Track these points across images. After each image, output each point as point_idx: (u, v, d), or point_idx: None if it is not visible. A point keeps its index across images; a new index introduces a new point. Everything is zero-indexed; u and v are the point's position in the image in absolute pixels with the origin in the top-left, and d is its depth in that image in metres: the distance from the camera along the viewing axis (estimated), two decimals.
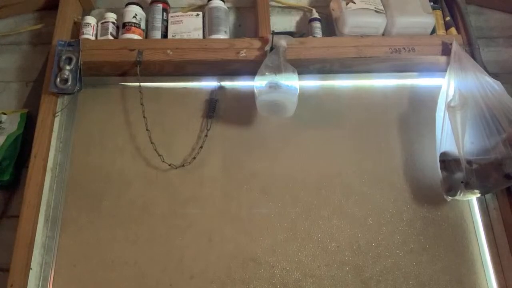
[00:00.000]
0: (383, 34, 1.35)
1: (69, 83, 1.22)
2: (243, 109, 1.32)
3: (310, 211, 1.22)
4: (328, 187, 1.25)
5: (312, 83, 1.37)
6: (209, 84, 1.36)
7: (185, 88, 1.36)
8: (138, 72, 1.26)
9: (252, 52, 1.28)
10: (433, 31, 1.37)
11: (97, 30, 1.35)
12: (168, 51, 1.28)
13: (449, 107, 1.16)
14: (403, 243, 1.20)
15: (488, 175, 1.10)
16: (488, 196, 1.23)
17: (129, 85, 1.35)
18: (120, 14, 1.37)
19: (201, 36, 1.34)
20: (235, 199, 1.23)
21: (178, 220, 1.20)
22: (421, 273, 1.17)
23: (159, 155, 1.23)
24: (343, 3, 1.32)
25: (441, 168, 1.20)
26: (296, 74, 1.18)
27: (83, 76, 1.25)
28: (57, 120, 1.26)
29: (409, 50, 1.30)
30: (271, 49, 1.24)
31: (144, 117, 1.25)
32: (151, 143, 1.24)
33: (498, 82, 1.18)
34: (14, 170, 1.21)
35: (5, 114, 1.29)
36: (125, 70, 1.31)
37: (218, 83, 1.36)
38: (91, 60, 1.27)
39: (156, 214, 1.21)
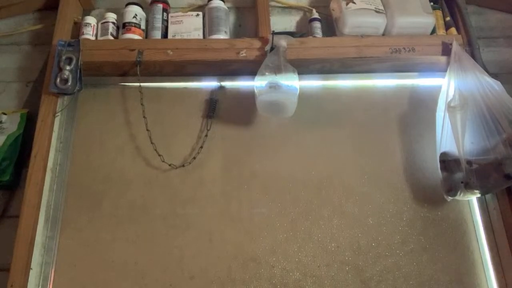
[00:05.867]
0: (383, 34, 1.35)
1: (69, 83, 1.22)
2: (243, 109, 1.32)
3: (310, 211, 1.22)
4: (328, 187, 1.25)
5: (312, 83, 1.37)
6: (209, 84, 1.36)
7: (185, 88, 1.36)
8: (138, 72, 1.26)
9: (252, 52, 1.28)
10: (433, 31, 1.37)
11: (97, 30, 1.35)
12: (168, 51, 1.28)
13: (449, 107, 1.16)
14: (403, 243, 1.20)
15: (488, 175, 1.10)
16: (488, 196, 1.23)
17: (129, 85, 1.35)
18: (120, 14, 1.37)
19: (201, 36, 1.34)
20: (235, 199, 1.23)
21: (178, 220, 1.20)
22: (421, 273, 1.17)
23: (159, 155, 1.23)
24: (343, 3, 1.32)
25: (441, 168, 1.20)
26: (296, 74, 1.18)
27: (83, 76, 1.25)
28: (57, 120, 1.26)
29: (409, 50, 1.30)
30: (271, 49, 1.24)
31: (144, 117, 1.25)
32: (151, 143, 1.24)
33: (498, 82, 1.18)
34: (14, 170, 1.21)
35: (5, 114, 1.29)
36: (125, 70, 1.31)
37: (218, 83, 1.36)
38: (91, 60, 1.27)
39: (156, 214, 1.21)
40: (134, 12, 1.34)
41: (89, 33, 1.33)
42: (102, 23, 1.35)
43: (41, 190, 1.17)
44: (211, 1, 1.37)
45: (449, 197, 1.19)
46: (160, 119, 1.31)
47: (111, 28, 1.34)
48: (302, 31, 1.43)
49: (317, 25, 1.38)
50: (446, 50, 1.30)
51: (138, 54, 1.27)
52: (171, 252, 1.17)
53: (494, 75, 1.24)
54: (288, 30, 1.45)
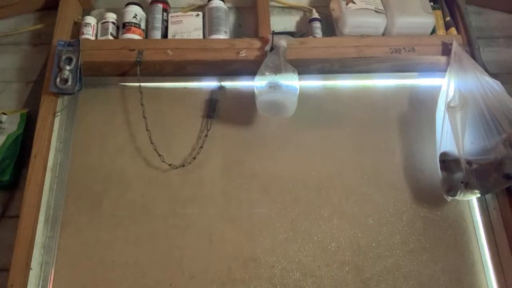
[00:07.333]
0: (383, 34, 1.35)
1: (69, 83, 1.22)
2: (243, 109, 1.32)
3: (310, 211, 1.22)
4: (328, 187, 1.25)
5: (312, 83, 1.37)
6: (209, 84, 1.36)
7: (185, 88, 1.36)
8: (138, 72, 1.26)
9: (252, 52, 1.28)
10: (433, 31, 1.37)
11: (97, 30, 1.35)
12: (168, 51, 1.28)
13: (449, 107, 1.16)
14: (403, 243, 1.20)
15: (488, 175, 1.10)
16: (488, 196, 1.24)
17: (129, 85, 1.35)
18: (120, 14, 1.37)
19: (201, 36, 1.34)
20: (235, 199, 1.23)
21: (178, 220, 1.20)
22: (421, 273, 1.17)
23: (159, 155, 1.23)
24: (343, 3, 1.33)
25: (441, 168, 1.20)
26: (296, 74, 1.18)
27: (83, 76, 1.25)
28: (57, 120, 1.26)
29: (409, 50, 1.30)
30: (271, 49, 1.24)
31: (144, 117, 1.25)
32: (151, 143, 1.24)
33: (498, 82, 1.18)
34: (14, 170, 1.21)
35: (5, 114, 1.29)
36: (125, 70, 1.31)
37: (218, 83, 1.36)
38: (91, 60, 1.27)
39: (156, 214, 1.21)
40: (134, 12, 1.34)
41: (89, 33, 1.33)
42: (102, 23, 1.35)
43: (41, 190, 1.17)
44: (211, 1, 1.37)
45: (449, 197, 1.19)
46: (160, 119, 1.31)
47: (111, 28, 1.34)
48: (302, 31, 1.43)
49: (317, 25, 1.38)
50: (446, 50, 1.30)
51: (138, 54, 1.26)
52: (171, 252, 1.17)
53: (494, 75, 1.23)
54: (288, 30, 1.45)
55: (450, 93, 1.20)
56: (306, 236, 1.20)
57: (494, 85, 1.17)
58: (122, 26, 1.34)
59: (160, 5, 1.37)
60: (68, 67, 1.23)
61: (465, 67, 1.22)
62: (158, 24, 1.35)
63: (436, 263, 1.18)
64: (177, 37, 1.33)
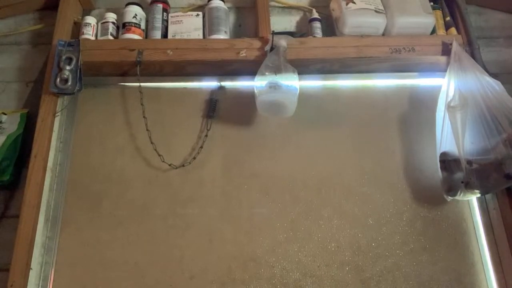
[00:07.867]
0: (383, 34, 1.35)
1: (69, 83, 1.22)
2: (243, 109, 1.32)
3: (310, 211, 1.22)
4: (328, 187, 1.25)
5: (312, 83, 1.37)
6: (209, 84, 1.36)
7: (185, 88, 1.36)
8: (138, 72, 1.26)
9: (252, 52, 1.28)
10: (433, 31, 1.37)
11: (97, 30, 1.35)
12: (168, 51, 1.28)
13: (449, 107, 1.16)
14: (403, 243, 1.20)
15: (488, 175, 1.10)
16: (488, 196, 1.24)
17: (129, 85, 1.35)
18: (120, 14, 1.37)
19: (201, 36, 1.34)
20: (235, 199, 1.23)
21: (178, 220, 1.20)
22: (421, 273, 1.17)
23: (159, 155, 1.23)
24: (343, 3, 1.32)
25: (441, 168, 1.20)
26: (296, 74, 1.18)
27: (83, 76, 1.25)
28: (57, 120, 1.26)
29: (409, 50, 1.30)
30: (271, 49, 1.24)
31: (144, 117, 1.25)
32: (151, 143, 1.24)
33: (498, 82, 1.18)
34: (14, 170, 1.21)
35: (5, 114, 1.29)
36: (125, 70, 1.32)
37: (218, 83, 1.36)
38: (91, 60, 1.27)
39: (156, 214, 1.21)
40: (134, 12, 1.34)
41: (89, 33, 1.33)
42: (102, 23, 1.35)
43: (41, 190, 1.17)
44: (211, 1, 1.37)
45: (449, 197, 1.19)
46: (160, 119, 1.31)
47: (111, 28, 1.34)
48: (302, 31, 1.43)
49: (317, 25, 1.38)
50: (446, 50, 1.30)
51: (138, 54, 1.27)
52: (171, 252, 1.17)
53: (494, 75, 1.23)
54: (288, 30, 1.45)
55: (450, 93, 1.20)
56: (306, 236, 1.20)
57: (494, 85, 1.17)
58: (122, 26, 1.34)
59: (160, 5, 1.37)
60: (68, 67, 1.23)
61: (465, 67, 1.22)
62: (158, 24, 1.35)
63: (436, 263, 1.18)
64: (177, 37, 1.33)
